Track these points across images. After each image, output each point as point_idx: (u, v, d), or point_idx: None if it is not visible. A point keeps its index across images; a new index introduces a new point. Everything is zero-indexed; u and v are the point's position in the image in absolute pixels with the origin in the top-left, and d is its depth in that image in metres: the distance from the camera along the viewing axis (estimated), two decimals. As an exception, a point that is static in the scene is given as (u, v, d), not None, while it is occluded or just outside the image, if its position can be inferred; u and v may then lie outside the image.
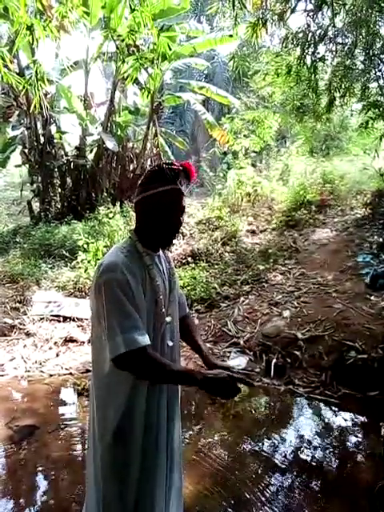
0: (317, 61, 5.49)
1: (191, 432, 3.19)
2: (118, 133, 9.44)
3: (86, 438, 3.12)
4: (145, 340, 1.41)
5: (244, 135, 8.94)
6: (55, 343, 4.62)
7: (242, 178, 8.53)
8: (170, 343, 1.61)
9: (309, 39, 5.16)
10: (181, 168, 1.49)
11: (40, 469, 2.87)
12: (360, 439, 3.18)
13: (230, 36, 8.10)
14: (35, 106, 5.05)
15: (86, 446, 1.81)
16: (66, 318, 5.08)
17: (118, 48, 4.33)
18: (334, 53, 6.15)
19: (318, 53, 5.46)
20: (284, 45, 5.56)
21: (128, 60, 4.27)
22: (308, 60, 5.37)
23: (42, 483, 2.78)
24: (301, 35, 5.13)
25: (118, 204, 8.12)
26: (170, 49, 7.33)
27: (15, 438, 3.13)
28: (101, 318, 1.45)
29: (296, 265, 5.88)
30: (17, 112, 9.02)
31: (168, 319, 1.58)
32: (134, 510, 1.52)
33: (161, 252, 1.65)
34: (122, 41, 4.16)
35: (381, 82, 6.70)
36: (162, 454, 1.57)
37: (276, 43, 6.91)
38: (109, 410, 1.52)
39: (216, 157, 10.66)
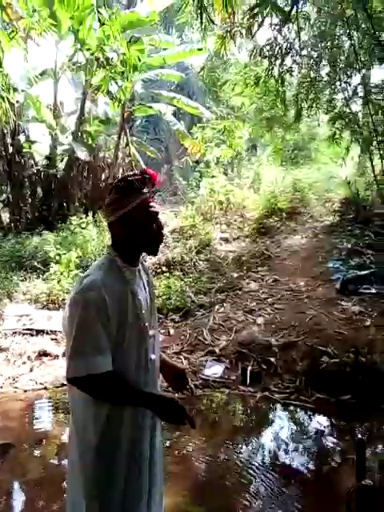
0: (284, 72, 5.68)
1: (170, 440, 3.18)
2: (89, 142, 9.39)
3: (65, 455, 3.09)
4: (107, 365, 1.42)
5: (215, 144, 9.08)
6: (29, 357, 4.52)
7: (214, 186, 8.63)
8: (153, 357, 1.60)
9: (276, 52, 5.33)
10: (146, 176, 1.52)
11: (16, 488, 2.82)
12: (334, 442, 3.26)
13: (200, 49, 8.23)
14: (1, 117, 4.98)
15: (67, 463, 1.78)
16: (39, 332, 4.98)
17: (87, 61, 4.34)
18: (301, 65, 6.39)
19: (285, 65, 5.66)
20: (252, 57, 5.73)
21: (98, 73, 4.28)
22: (275, 72, 5.54)
23: (19, 502, 2.72)
24: (268, 48, 5.30)
25: (90, 214, 8.05)
26: (140, 60, 7.39)
27: (-11, 457, 3.05)
28: (70, 336, 1.44)
29: (269, 272, 5.99)
30: (-17, 122, 8.85)
31: (151, 332, 1.58)
32: None
33: (140, 265, 1.65)
34: (92, 54, 4.17)
35: (346, 93, 7.00)
36: (144, 467, 1.56)
37: (244, 55, 7.12)
38: (88, 425, 1.50)
39: (188, 166, 10.74)
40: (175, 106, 9.85)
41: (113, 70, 4.40)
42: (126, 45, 4.57)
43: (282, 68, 5.54)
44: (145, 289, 1.63)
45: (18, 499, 2.76)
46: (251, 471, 2.86)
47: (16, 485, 2.85)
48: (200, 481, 2.80)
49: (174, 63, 10.23)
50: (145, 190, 1.51)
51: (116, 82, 4.37)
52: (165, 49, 9.54)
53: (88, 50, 4.26)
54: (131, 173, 1.56)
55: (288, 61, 5.66)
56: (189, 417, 1.49)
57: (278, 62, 5.43)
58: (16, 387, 4.07)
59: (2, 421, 3.58)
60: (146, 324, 1.55)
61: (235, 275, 5.99)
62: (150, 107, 9.89)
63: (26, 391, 4.02)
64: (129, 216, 1.49)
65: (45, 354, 4.60)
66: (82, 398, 1.48)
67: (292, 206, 7.89)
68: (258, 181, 9.17)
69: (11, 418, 3.60)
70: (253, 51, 5.56)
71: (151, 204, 1.53)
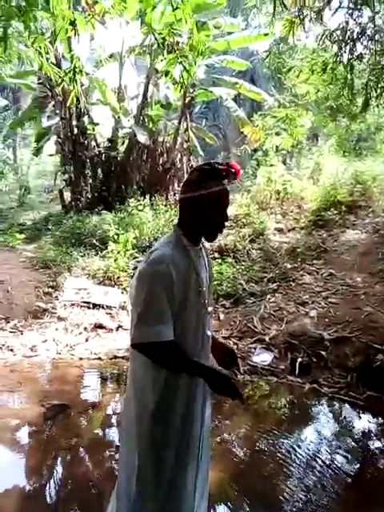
0: (354, 59, 5.43)
1: (214, 425, 3.23)
2: (150, 126, 9.53)
3: (115, 422, 3.25)
4: (169, 334, 1.50)
5: (276, 133, 8.90)
6: (85, 329, 4.77)
7: (271, 175, 8.50)
8: (208, 333, 1.69)
9: (346, 37, 5.10)
10: (231, 169, 1.58)
11: (68, 447, 2.96)
12: (383, 441, 3.18)
13: (266, 34, 8.05)
14: (72, 99, 5.16)
15: (122, 425, 1.88)
16: (95, 305, 5.23)
17: (159, 45, 4.39)
18: (373, 51, 6.07)
19: (356, 51, 5.40)
20: (321, 42, 5.52)
21: (167, 58, 4.33)
22: (344, 58, 5.31)
23: (70, 459, 2.90)
24: (338, 33, 5.08)
25: (147, 197, 8.23)
26: (205, 45, 7.34)
27: (47, 415, 3.27)
28: (137, 305, 1.54)
29: (324, 265, 5.86)
30: (52, 102, 9.21)
31: (209, 309, 1.67)
32: (167, 492, 1.59)
33: (201, 245, 1.71)
34: (163, 38, 4.22)
35: (419, 82, 6.58)
36: (196, 436, 1.64)
37: (312, 40, 6.87)
38: (146, 387, 1.59)
39: (246, 154, 10.63)
40: (237, 90, 9.74)
41: (182, 56, 4.42)
42: (196, 30, 4.56)
43: (352, 54, 5.32)
44: (205, 268, 1.70)
45: (69, 457, 2.91)
46: (293, 460, 2.84)
47: (68, 444, 2.98)
48: (241, 464, 2.84)
49: (238, 48, 10.08)
50: (225, 182, 1.57)
51: (184, 66, 4.39)
52: (230, 33, 9.43)
53: (160, 34, 4.30)
54: (218, 162, 1.63)
55: (359, 47, 5.42)
56: (239, 393, 1.55)
57: (347, 47, 5.21)
58: (73, 354, 4.31)
59: (59, 383, 3.82)
60: (206, 301, 1.63)
61: (289, 266, 5.91)
62: (211, 92, 9.84)
63: (81, 359, 4.25)
64: (205, 199, 1.55)
65: (100, 326, 4.82)
66: (143, 361, 1.57)
67: (352, 199, 7.61)
68: (318, 171, 8.92)
69: (68, 382, 3.83)
70: (322, 36, 5.36)
71: (228, 195, 1.61)
